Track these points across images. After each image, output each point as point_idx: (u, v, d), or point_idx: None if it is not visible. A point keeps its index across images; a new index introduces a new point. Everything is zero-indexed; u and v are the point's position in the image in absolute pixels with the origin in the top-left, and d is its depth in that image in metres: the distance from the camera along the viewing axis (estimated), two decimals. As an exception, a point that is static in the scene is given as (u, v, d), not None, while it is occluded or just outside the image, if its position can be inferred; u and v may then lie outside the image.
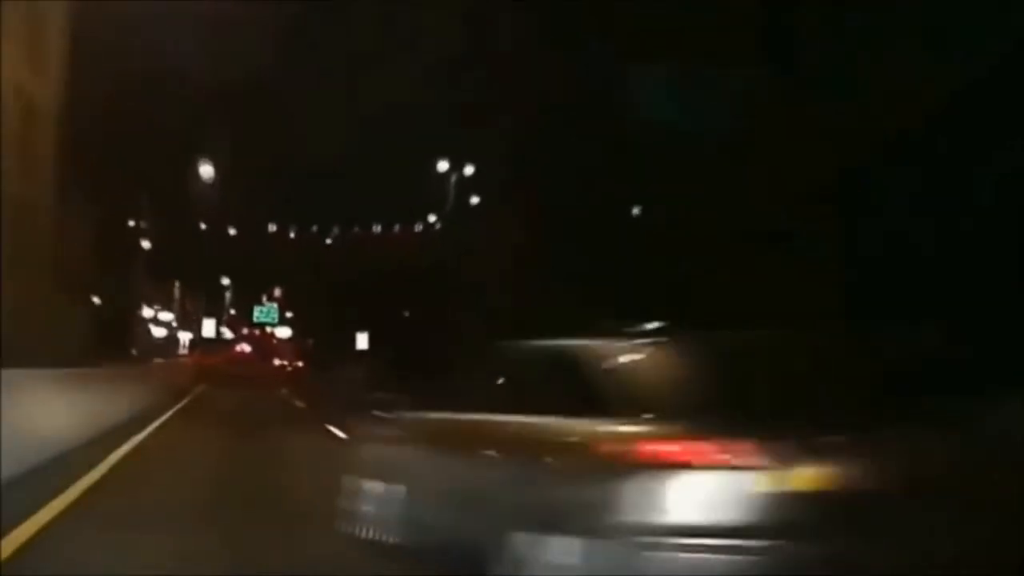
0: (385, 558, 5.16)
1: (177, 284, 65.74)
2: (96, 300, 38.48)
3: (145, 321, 53.12)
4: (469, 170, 48.42)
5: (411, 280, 39.05)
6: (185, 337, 62.61)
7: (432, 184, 50.33)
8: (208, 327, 65.45)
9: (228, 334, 76.77)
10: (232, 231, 50.84)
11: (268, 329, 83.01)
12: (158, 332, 58.43)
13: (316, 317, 53.63)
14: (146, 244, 45.35)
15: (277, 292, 77.22)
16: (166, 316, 65.37)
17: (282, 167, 49.29)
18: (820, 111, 15.00)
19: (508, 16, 28.08)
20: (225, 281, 64.21)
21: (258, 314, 66.02)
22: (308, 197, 49.61)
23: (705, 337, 4.16)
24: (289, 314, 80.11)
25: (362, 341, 46.09)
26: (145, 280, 47.16)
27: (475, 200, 49.77)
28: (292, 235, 50.58)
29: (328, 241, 49.63)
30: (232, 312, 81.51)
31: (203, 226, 54.12)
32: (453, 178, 49.06)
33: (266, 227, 52.10)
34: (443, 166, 48.55)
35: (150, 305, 67.55)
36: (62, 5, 26.52)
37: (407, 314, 40.41)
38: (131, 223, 43.62)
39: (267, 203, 50.84)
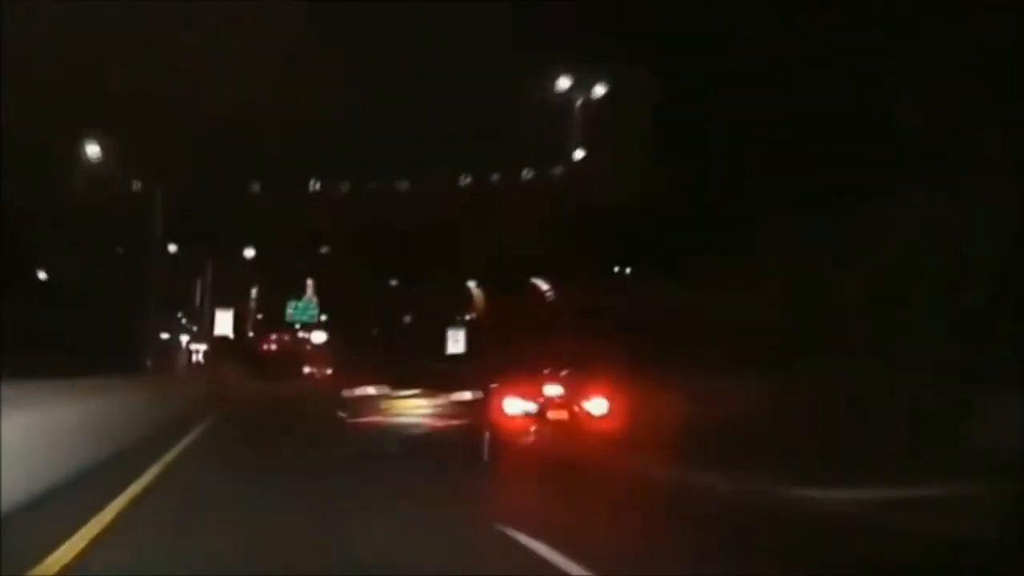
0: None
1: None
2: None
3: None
4: (600, 90, 33.10)
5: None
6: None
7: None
8: (224, 322, 45.40)
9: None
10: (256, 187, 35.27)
11: (300, 334, 68.06)
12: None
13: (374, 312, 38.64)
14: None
15: (310, 288, 62.40)
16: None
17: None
18: None
19: None
20: (250, 252, 45.94)
21: (292, 311, 49.90)
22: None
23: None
24: (323, 316, 65.62)
25: (456, 342, 30.79)
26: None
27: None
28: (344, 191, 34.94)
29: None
30: (259, 317, 66.35)
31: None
32: (579, 102, 33.55)
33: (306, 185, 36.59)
34: (564, 84, 33.04)
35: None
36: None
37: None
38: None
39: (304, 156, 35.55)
